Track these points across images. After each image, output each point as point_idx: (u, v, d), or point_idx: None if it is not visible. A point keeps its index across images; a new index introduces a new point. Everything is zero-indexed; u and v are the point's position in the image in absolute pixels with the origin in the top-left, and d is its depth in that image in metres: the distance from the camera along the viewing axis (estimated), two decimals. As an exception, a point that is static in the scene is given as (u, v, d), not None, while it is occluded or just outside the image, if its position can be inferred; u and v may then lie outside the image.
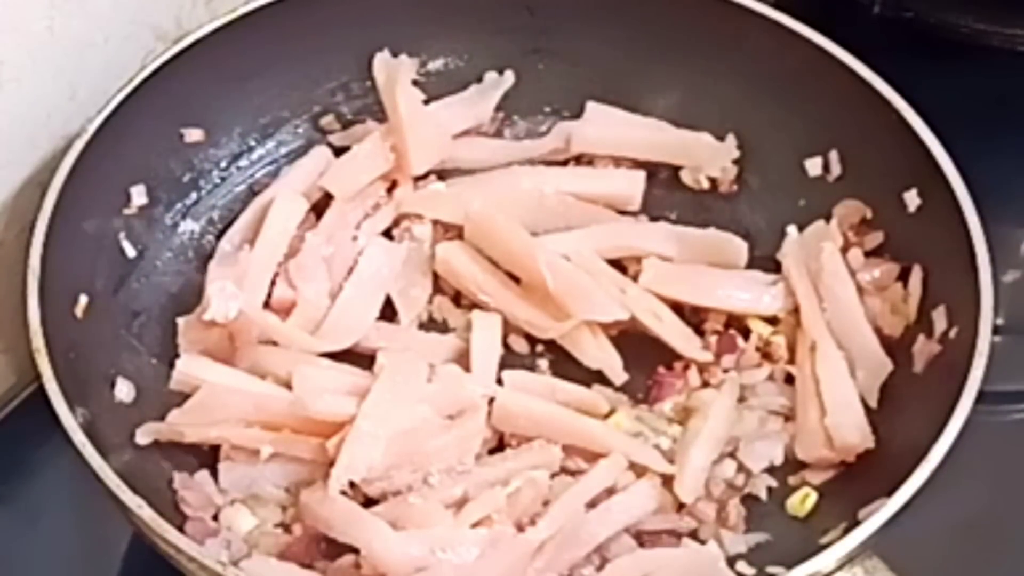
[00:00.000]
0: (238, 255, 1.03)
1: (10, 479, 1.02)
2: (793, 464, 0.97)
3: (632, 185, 1.09)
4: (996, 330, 0.90)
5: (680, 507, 0.94)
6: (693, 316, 1.03)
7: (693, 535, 0.93)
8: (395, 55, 1.11)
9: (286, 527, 0.93)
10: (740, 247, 1.05)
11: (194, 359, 0.98)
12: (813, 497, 0.94)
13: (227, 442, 0.94)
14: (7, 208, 1.00)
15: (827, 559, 0.83)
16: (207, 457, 0.95)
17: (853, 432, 0.94)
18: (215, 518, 0.93)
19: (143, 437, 0.93)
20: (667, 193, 1.10)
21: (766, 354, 1.01)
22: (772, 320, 1.03)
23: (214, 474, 0.94)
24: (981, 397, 0.87)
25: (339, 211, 1.06)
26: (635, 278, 1.03)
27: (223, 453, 0.94)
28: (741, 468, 0.96)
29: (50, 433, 0.86)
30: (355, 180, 1.07)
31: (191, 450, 0.95)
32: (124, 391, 0.97)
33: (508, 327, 1.02)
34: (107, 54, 1.03)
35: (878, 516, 0.84)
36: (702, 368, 1.01)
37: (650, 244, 1.05)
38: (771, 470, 0.96)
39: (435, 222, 1.07)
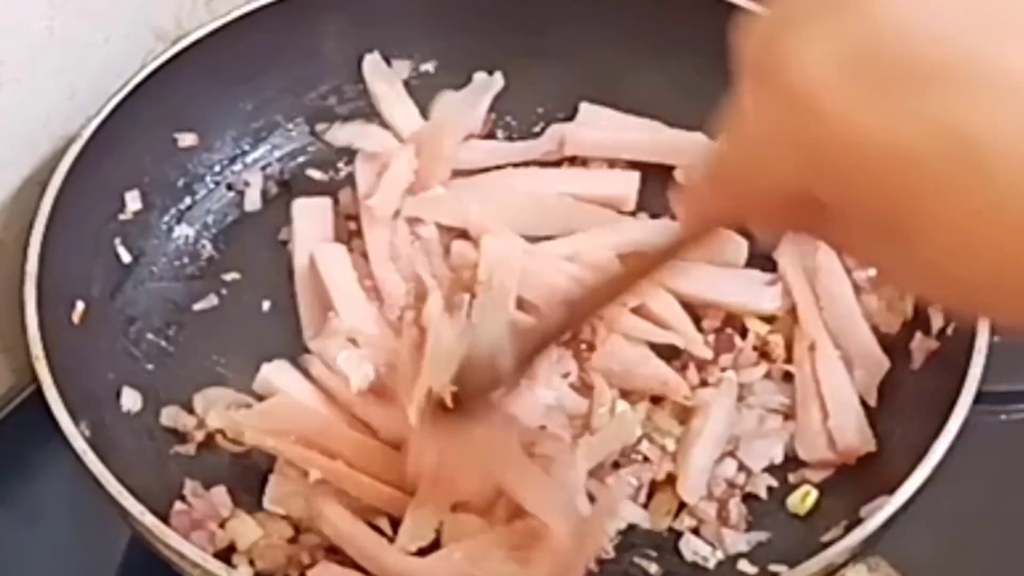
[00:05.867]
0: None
1: (10, 480, 1.01)
2: (793, 462, 0.97)
3: (627, 185, 1.10)
4: (995, 329, 0.88)
5: (681, 506, 0.94)
6: (691, 315, 1.03)
7: (695, 534, 0.94)
8: (387, 56, 1.11)
9: (292, 540, 0.92)
10: (739, 245, 1.04)
11: (283, 367, 0.98)
12: (814, 495, 0.95)
13: (281, 455, 0.93)
14: (6, 208, 0.99)
15: (829, 557, 0.83)
16: (218, 469, 0.95)
17: (855, 435, 0.95)
18: (221, 526, 0.92)
19: (214, 422, 0.94)
20: (662, 193, 1.10)
21: (763, 353, 1.01)
22: (769, 319, 1.03)
23: (229, 490, 0.93)
24: (981, 397, 0.87)
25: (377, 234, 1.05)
26: (634, 278, 1.03)
27: (276, 467, 0.93)
28: (741, 467, 0.96)
29: (50, 434, 0.86)
30: (392, 198, 1.06)
31: (197, 459, 0.95)
32: (130, 400, 0.97)
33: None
34: (107, 54, 1.03)
35: (880, 514, 0.84)
36: (700, 367, 1.00)
37: (650, 242, 1.05)
38: (771, 468, 0.96)
39: (437, 224, 1.06)
